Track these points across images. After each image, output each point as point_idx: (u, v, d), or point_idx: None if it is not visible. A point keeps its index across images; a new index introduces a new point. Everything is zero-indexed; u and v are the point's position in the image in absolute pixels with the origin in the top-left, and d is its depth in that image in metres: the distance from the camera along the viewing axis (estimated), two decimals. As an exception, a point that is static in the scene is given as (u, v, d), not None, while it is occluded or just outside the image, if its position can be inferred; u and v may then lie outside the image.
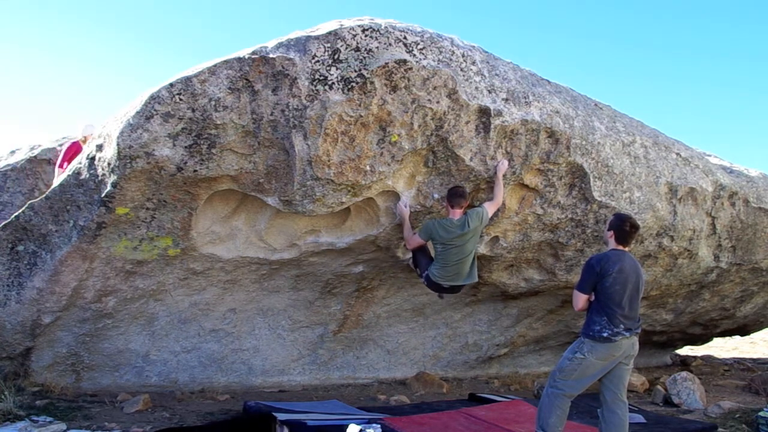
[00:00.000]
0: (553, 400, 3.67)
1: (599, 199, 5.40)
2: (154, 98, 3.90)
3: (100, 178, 4.27)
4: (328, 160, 4.19)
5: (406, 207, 4.76)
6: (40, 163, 6.87)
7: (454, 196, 4.64)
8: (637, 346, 3.72)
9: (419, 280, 5.83)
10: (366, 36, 4.11)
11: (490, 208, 4.79)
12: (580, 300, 3.75)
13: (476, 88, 4.52)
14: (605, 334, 3.56)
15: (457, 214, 4.65)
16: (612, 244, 3.80)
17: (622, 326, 3.58)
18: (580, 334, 3.73)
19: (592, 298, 3.73)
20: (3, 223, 4.79)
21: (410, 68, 4.15)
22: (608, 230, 3.83)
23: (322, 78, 4.01)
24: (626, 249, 3.80)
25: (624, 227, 3.74)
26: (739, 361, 10.76)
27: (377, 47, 4.11)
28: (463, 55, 4.50)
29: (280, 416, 4.21)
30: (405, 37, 4.22)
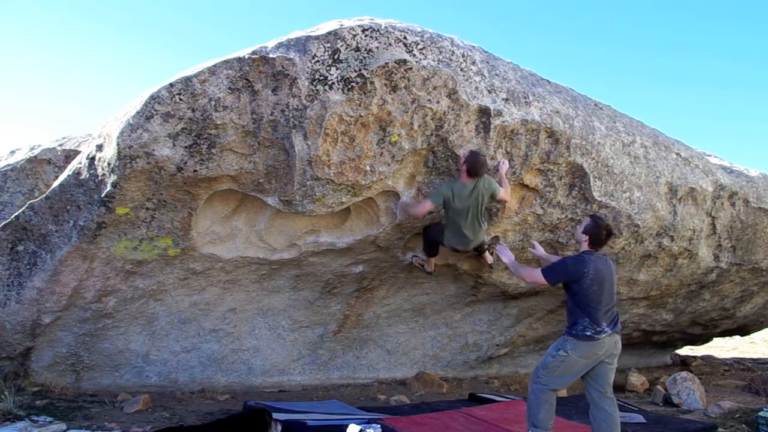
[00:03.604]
0: (540, 395, 3.69)
1: (599, 199, 5.40)
2: (154, 98, 3.90)
3: (100, 178, 4.27)
4: (328, 160, 4.19)
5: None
6: (40, 163, 6.85)
7: (478, 164, 4.47)
8: (620, 345, 3.75)
9: (419, 279, 5.85)
10: (366, 36, 4.11)
11: (500, 192, 4.71)
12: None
13: (476, 88, 4.53)
14: (588, 333, 3.60)
15: (470, 180, 4.56)
16: (584, 246, 3.79)
17: (604, 324, 3.62)
18: (565, 333, 3.75)
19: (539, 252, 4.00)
20: (3, 223, 4.79)
21: (410, 68, 4.15)
22: (583, 233, 3.79)
23: (322, 78, 4.02)
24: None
25: (601, 235, 3.75)
26: (739, 361, 10.77)
27: (377, 47, 4.11)
28: (463, 55, 4.50)
29: (280, 416, 4.21)
30: (405, 37, 4.22)
